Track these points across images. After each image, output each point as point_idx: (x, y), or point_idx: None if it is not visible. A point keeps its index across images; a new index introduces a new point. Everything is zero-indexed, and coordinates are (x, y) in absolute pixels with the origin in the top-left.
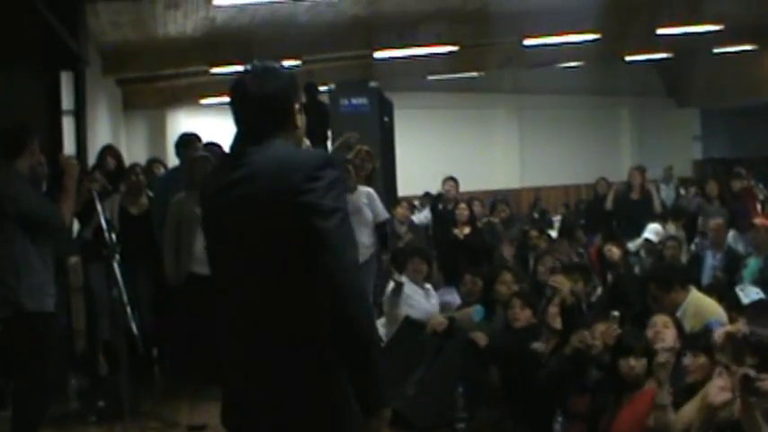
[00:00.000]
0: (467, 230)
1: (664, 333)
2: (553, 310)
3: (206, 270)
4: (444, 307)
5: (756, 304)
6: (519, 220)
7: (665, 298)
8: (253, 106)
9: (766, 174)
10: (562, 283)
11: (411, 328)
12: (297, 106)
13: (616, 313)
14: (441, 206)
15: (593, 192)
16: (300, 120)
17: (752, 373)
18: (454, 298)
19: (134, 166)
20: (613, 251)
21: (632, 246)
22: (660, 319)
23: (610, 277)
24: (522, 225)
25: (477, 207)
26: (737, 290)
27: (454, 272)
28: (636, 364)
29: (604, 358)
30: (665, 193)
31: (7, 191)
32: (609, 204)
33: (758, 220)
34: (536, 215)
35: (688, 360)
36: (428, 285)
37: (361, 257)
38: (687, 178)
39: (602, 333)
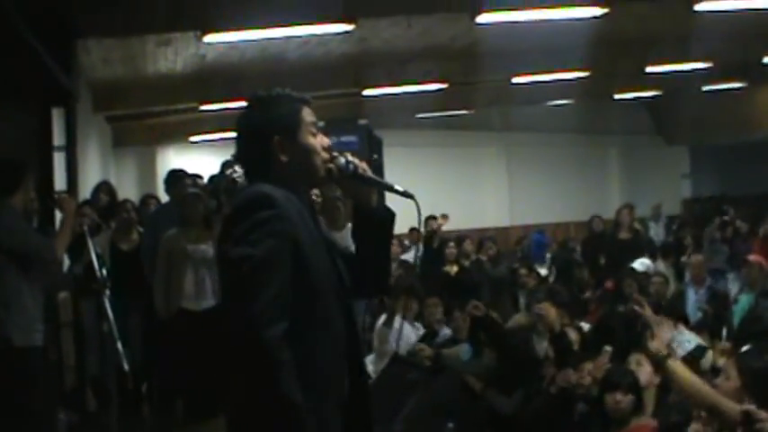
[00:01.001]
0: (455, 268)
1: (637, 371)
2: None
3: (196, 305)
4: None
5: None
6: (507, 257)
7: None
8: (237, 143)
9: (756, 211)
10: (548, 309)
11: (399, 364)
12: (278, 139)
13: (608, 348)
14: (434, 244)
15: (587, 229)
16: (293, 151)
17: (753, 408)
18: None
19: (125, 202)
20: (633, 286)
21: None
22: (634, 358)
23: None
24: (511, 263)
25: (467, 245)
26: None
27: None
28: (622, 399)
29: (593, 392)
30: (654, 231)
31: (1, 225)
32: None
33: (752, 257)
34: (519, 254)
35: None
36: (418, 323)
37: None
38: (676, 216)
39: (591, 368)
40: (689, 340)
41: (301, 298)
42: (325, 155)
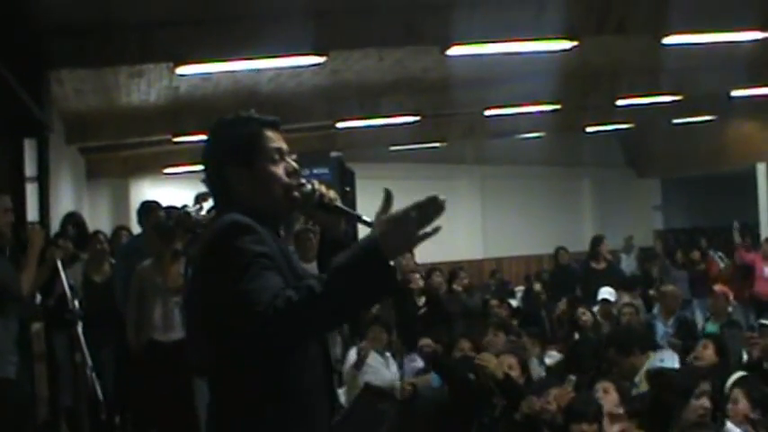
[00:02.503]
0: (422, 300)
1: (604, 398)
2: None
3: (165, 337)
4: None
5: None
6: (480, 289)
7: (625, 362)
8: (203, 176)
9: (726, 243)
10: (488, 360)
11: (370, 394)
12: (230, 169)
13: (572, 377)
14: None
15: (554, 261)
16: (251, 179)
17: None
18: (419, 364)
19: (97, 233)
20: (587, 315)
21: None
22: (601, 385)
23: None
24: (483, 294)
25: (437, 277)
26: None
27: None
28: (588, 429)
29: (558, 419)
30: (626, 263)
31: None
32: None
33: (717, 287)
34: (493, 287)
35: None
36: (388, 354)
37: None
38: (649, 248)
39: (556, 396)
40: (662, 359)
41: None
42: (289, 182)
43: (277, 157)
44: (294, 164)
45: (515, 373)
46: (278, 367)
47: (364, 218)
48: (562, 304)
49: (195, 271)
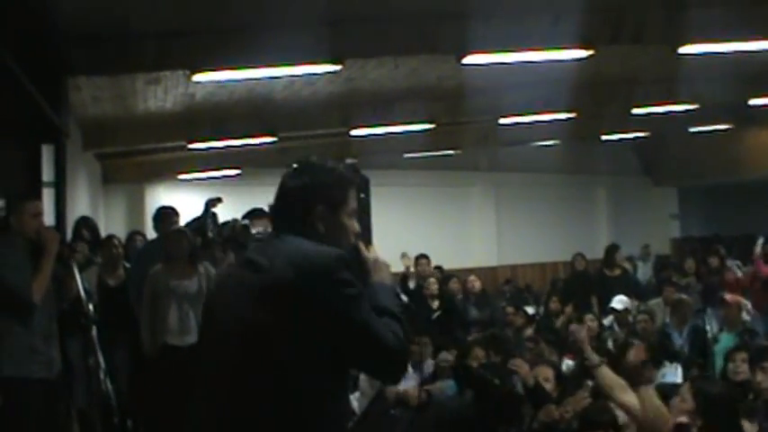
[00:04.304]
0: (436, 304)
1: (617, 409)
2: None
3: (180, 341)
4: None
5: None
6: (495, 297)
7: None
8: (279, 197)
9: (743, 251)
10: (520, 366)
11: (384, 400)
12: (321, 208)
13: (590, 383)
14: (411, 284)
15: (570, 268)
16: (330, 224)
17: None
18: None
19: (112, 237)
20: (594, 322)
21: (606, 321)
22: None
23: None
24: (498, 303)
25: (453, 284)
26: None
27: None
28: None
29: (573, 425)
30: (642, 271)
31: None
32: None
33: (729, 297)
34: (508, 294)
35: None
36: None
37: None
38: (665, 256)
39: (573, 402)
40: (664, 374)
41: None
42: (355, 239)
43: (353, 214)
44: (357, 225)
45: (549, 386)
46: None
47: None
48: (569, 309)
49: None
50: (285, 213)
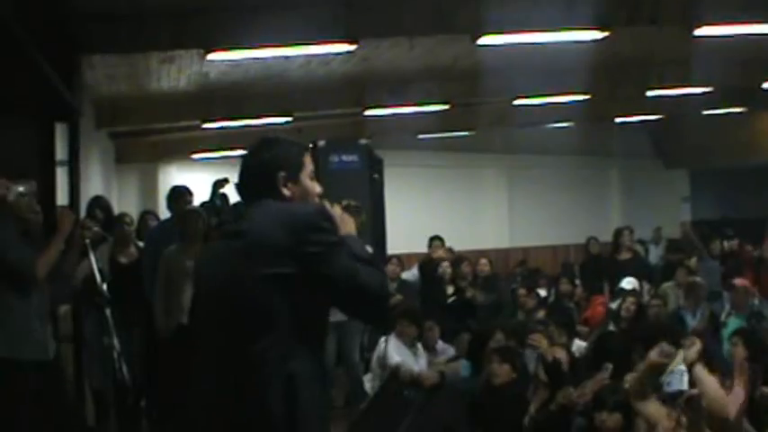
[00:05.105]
0: (451, 289)
1: None
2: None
3: None
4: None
5: None
6: (507, 279)
7: None
8: (243, 173)
9: (755, 235)
10: (539, 340)
11: (396, 381)
12: (283, 174)
13: (609, 365)
14: (429, 268)
15: (584, 251)
16: (294, 187)
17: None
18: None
19: (123, 215)
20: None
21: (614, 305)
22: (630, 377)
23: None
24: (510, 284)
25: (465, 267)
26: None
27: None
28: (607, 418)
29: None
30: (654, 254)
31: None
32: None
33: (738, 281)
34: (519, 276)
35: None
36: (418, 344)
37: None
38: (676, 239)
39: (591, 384)
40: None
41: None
42: (317, 200)
43: (312, 176)
44: (318, 186)
45: (565, 366)
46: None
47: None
48: (578, 289)
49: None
50: (252, 186)
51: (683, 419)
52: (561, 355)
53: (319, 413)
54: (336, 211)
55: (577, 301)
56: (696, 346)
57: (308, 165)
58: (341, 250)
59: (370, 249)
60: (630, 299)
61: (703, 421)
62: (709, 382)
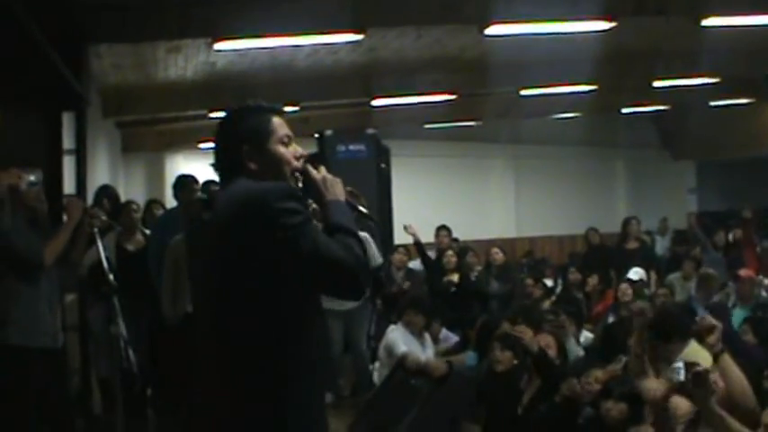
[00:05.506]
0: (455, 278)
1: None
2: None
3: None
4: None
5: None
6: (514, 269)
7: (662, 348)
8: (213, 154)
9: (762, 226)
10: (524, 332)
11: (403, 370)
12: (246, 147)
13: (623, 357)
14: (433, 255)
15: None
16: (262, 159)
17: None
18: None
19: (130, 203)
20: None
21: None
22: None
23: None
24: (517, 274)
25: (470, 257)
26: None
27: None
28: (613, 407)
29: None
30: (661, 245)
31: None
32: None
33: (743, 272)
34: (525, 267)
35: None
36: (426, 334)
37: (355, 302)
38: (682, 230)
39: (600, 375)
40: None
41: (307, 286)
42: (296, 164)
43: (286, 140)
44: (299, 149)
45: (552, 353)
46: (305, 340)
47: (360, 208)
48: (592, 280)
49: (228, 237)
50: (220, 166)
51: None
52: (548, 340)
53: (308, 412)
54: (319, 173)
55: (589, 293)
56: (715, 335)
57: (279, 130)
58: (305, 229)
59: (364, 210)
60: (624, 285)
61: (712, 398)
62: (736, 373)
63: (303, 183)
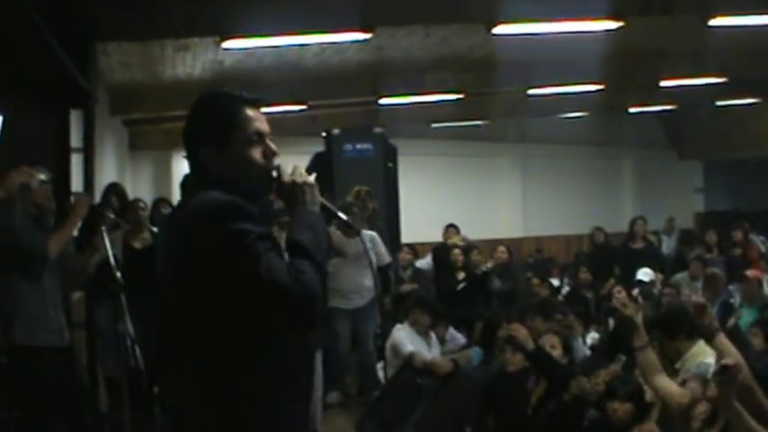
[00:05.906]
0: (462, 276)
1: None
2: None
3: None
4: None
5: None
6: (520, 268)
7: (669, 346)
8: None
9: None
10: (518, 329)
11: (410, 369)
12: (204, 150)
13: (623, 357)
14: (442, 254)
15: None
16: (224, 162)
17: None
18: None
19: (137, 200)
20: (622, 293)
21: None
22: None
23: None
24: (523, 273)
25: (475, 256)
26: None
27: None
28: (619, 407)
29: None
30: (667, 245)
31: None
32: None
33: (749, 272)
34: (531, 268)
35: None
36: (432, 333)
37: (362, 300)
38: (689, 230)
39: (604, 375)
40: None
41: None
42: (265, 164)
43: (255, 138)
44: (273, 146)
45: (557, 353)
46: (272, 364)
47: (340, 214)
48: (609, 284)
49: (176, 257)
50: (187, 175)
51: (712, 392)
52: (554, 341)
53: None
54: (293, 176)
55: (607, 294)
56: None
57: (247, 126)
58: (250, 252)
59: (344, 217)
60: (617, 288)
61: (734, 395)
62: (732, 352)
63: (276, 186)
